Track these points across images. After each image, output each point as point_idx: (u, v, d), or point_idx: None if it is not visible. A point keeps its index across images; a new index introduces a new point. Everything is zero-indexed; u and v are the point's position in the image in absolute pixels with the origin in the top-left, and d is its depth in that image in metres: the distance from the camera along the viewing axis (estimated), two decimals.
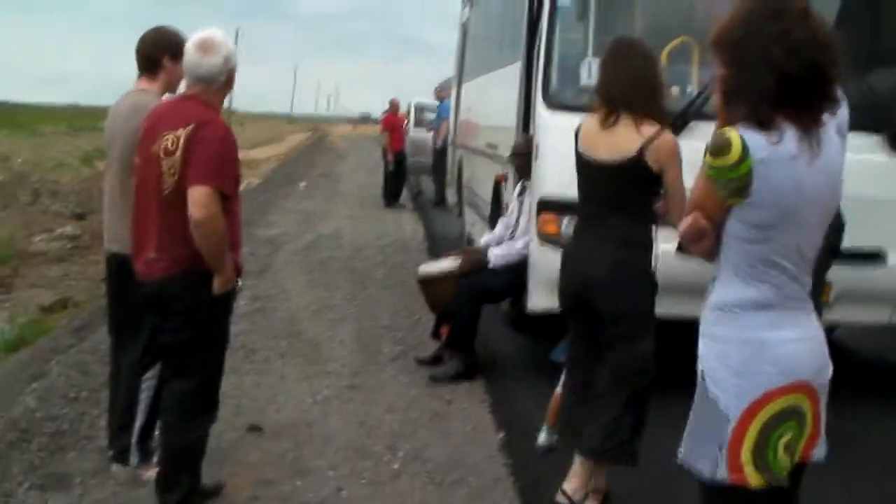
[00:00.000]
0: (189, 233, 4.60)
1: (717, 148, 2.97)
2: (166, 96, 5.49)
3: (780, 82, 2.96)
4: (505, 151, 8.66)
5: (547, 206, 7.24)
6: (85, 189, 22.29)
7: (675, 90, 7.37)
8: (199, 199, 4.55)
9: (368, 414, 6.84)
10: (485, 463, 6.03)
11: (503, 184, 9.31)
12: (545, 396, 6.87)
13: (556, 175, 7.16)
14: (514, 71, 8.82)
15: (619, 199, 5.11)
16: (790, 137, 2.96)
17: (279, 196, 22.38)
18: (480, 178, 11.52)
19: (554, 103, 7.36)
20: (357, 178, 29.10)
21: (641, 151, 4.96)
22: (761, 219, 3.00)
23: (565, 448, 5.39)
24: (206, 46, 4.76)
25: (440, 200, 20.69)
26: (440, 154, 20.30)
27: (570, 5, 7.42)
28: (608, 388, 5.13)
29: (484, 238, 8.71)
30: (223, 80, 4.84)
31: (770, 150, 2.94)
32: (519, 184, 8.15)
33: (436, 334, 8.28)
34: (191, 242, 4.63)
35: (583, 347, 5.32)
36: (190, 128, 4.63)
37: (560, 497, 5.14)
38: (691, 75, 7.44)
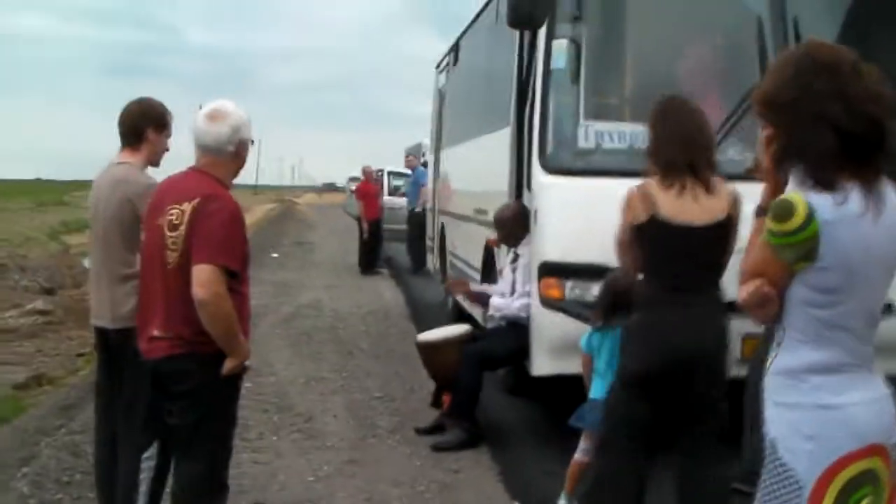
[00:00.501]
0: (195, 311, 4.43)
1: (781, 212, 2.88)
2: (149, 170, 5.45)
3: (841, 140, 2.88)
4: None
5: (549, 270, 7.15)
6: (53, 264, 21.98)
7: None
8: (202, 277, 4.38)
9: (374, 489, 6.65)
10: None
11: (496, 249, 9.21)
12: (555, 462, 6.78)
13: (558, 239, 7.12)
14: (504, 136, 8.76)
15: (714, 264, 5.05)
16: (854, 196, 2.88)
17: (252, 267, 22.03)
18: (467, 243, 11.43)
19: (552, 167, 7.28)
20: (329, 246, 28.93)
21: (730, 211, 4.98)
22: (829, 282, 2.91)
23: None
24: (214, 115, 4.64)
25: (418, 267, 20.55)
26: (416, 220, 20.30)
27: (565, 68, 7.36)
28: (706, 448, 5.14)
29: (482, 287, 8.66)
30: (232, 151, 4.66)
31: (836, 211, 2.86)
32: (511, 252, 8.06)
33: (436, 403, 8.13)
34: (196, 321, 4.45)
35: (645, 423, 5.12)
36: (196, 202, 4.46)
37: None
38: None
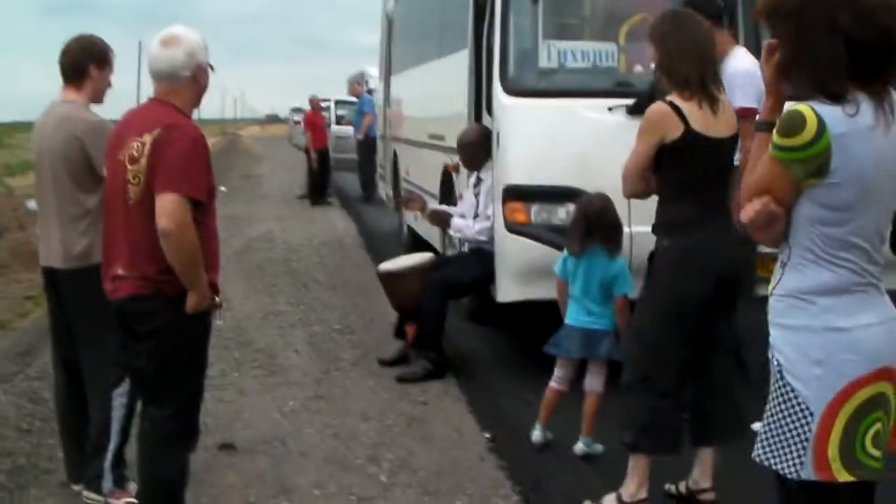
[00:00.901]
0: (159, 248, 4.19)
1: (789, 125, 2.71)
2: (92, 107, 5.25)
3: (850, 50, 2.70)
4: (453, 141, 8.36)
5: (514, 194, 6.98)
6: None
7: (638, 69, 7.17)
8: (165, 207, 4.11)
9: (342, 424, 6.49)
10: (478, 467, 5.74)
11: (454, 174, 9.00)
12: (526, 390, 6.65)
13: (522, 162, 6.96)
14: (461, 58, 8.53)
15: (729, 175, 4.86)
16: (866, 108, 2.72)
17: None
18: (423, 169, 11.21)
19: (514, 89, 7.08)
20: (277, 178, 28.55)
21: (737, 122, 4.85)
22: (842, 199, 2.76)
23: (660, 452, 4.91)
24: (166, 40, 4.35)
25: (368, 196, 20.42)
26: (365, 148, 20.11)
27: None
28: (729, 372, 5.01)
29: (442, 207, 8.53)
30: (188, 77, 4.36)
31: (848, 123, 2.70)
32: (473, 175, 7.87)
33: (399, 334, 7.95)
34: (161, 258, 4.20)
35: (690, 349, 4.88)
36: (156, 132, 4.19)
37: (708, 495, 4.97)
38: None
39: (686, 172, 4.75)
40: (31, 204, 6.06)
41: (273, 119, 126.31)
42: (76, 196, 5.07)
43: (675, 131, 4.68)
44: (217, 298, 4.54)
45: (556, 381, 5.78)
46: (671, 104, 4.70)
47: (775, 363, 2.90)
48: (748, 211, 2.85)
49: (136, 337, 4.39)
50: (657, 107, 4.75)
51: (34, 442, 6.10)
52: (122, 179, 4.26)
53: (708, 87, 4.72)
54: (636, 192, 4.90)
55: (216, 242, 4.56)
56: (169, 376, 4.40)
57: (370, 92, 20.21)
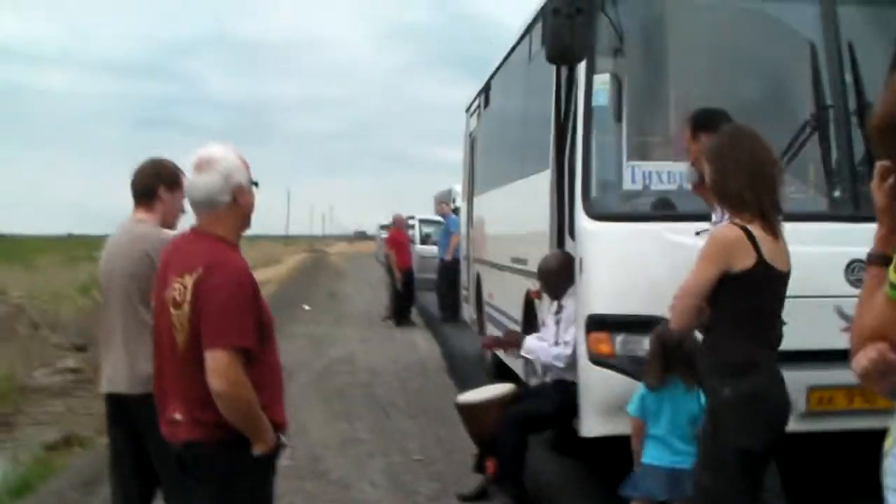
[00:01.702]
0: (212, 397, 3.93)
1: None
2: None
3: None
4: (535, 266, 8.08)
5: (597, 324, 6.64)
6: (84, 320, 21.63)
7: None
8: (214, 366, 3.84)
9: None
10: None
11: (537, 301, 8.68)
12: None
13: (606, 290, 6.63)
14: (543, 179, 8.28)
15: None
16: None
17: (283, 320, 21.62)
18: (505, 293, 10.91)
19: (596, 212, 6.79)
20: (362, 297, 28.45)
21: None
22: None
23: None
24: (200, 164, 4.06)
25: (448, 316, 20.24)
26: (447, 269, 20.04)
27: (607, 105, 6.89)
28: None
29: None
30: (228, 202, 4.07)
31: None
32: (555, 303, 7.56)
33: (479, 468, 7.57)
34: (216, 406, 3.93)
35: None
36: (197, 274, 3.92)
37: None
38: None
39: (751, 308, 4.43)
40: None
41: (361, 236, 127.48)
42: (145, 317, 4.88)
43: (746, 260, 4.35)
44: (282, 438, 4.23)
45: None
46: (743, 228, 4.37)
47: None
48: (861, 360, 2.49)
49: (198, 481, 4.11)
50: (727, 230, 4.41)
51: None
52: (168, 323, 4.01)
53: (766, 210, 4.39)
54: (690, 324, 4.53)
55: (278, 376, 4.28)
56: None
57: (456, 211, 20.06)
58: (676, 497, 5.34)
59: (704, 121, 5.81)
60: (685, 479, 5.24)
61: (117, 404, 5.14)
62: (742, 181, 4.40)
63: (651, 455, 5.34)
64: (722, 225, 4.50)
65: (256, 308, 4.03)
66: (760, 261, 4.37)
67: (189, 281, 3.93)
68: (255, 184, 4.23)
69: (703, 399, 5.21)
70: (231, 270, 3.99)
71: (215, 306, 3.88)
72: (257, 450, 4.00)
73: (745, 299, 4.41)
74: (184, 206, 5.15)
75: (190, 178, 4.11)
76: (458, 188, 20.22)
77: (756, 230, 4.37)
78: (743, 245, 4.35)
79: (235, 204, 4.11)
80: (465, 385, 10.42)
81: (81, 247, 63.00)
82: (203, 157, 4.09)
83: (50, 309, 23.88)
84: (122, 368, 5.04)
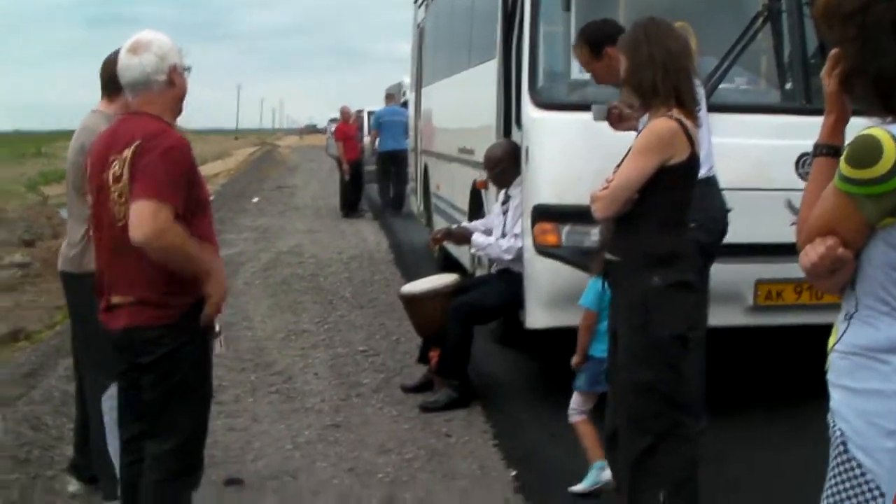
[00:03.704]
0: (156, 269, 3.87)
1: (862, 154, 2.29)
2: None
3: None
4: (482, 156, 7.97)
5: (544, 214, 6.54)
6: (32, 215, 21.40)
7: None
8: (137, 214, 3.77)
9: (359, 457, 6.11)
10: None
11: (483, 191, 8.59)
12: (556, 422, 6.22)
13: (553, 180, 6.53)
14: (490, 69, 8.14)
15: None
16: None
17: (232, 212, 21.49)
18: (452, 184, 10.81)
19: (544, 102, 6.66)
20: (311, 190, 28.26)
21: None
22: None
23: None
24: (134, 47, 4.04)
25: (386, 206, 20.93)
26: (381, 160, 20.66)
27: None
28: None
29: (466, 224, 8.18)
30: (163, 81, 4.03)
31: None
32: (502, 192, 7.47)
33: (423, 359, 7.55)
34: (159, 280, 3.89)
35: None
36: (135, 145, 3.87)
37: None
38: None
39: (680, 199, 4.41)
40: (64, 212, 6.09)
41: (311, 129, 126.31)
42: (76, 203, 5.03)
43: (682, 152, 4.30)
44: (217, 325, 4.22)
45: (586, 413, 5.37)
46: (679, 121, 4.29)
47: (838, 432, 2.46)
48: (810, 255, 2.41)
49: (138, 367, 4.06)
50: (666, 123, 4.30)
51: (30, 473, 5.78)
52: (108, 200, 3.94)
53: (685, 98, 4.32)
54: (616, 215, 4.45)
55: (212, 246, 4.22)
56: (173, 408, 4.08)
57: (405, 104, 19.95)
58: None
59: (605, 35, 5.70)
60: None
61: (64, 281, 5.31)
62: (657, 72, 4.31)
63: (597, 348, 5.24)
64: (658, 118, 4.38)
65: (190, 178, 3.99)
66: (693, 153, 4.34)
67: (127, 153, 3.88)
68: (188, 69, 4.18)
69: None
70: (169, 140, 3.93)
71: (149, 169, 3.82)
72: (210, 299, 4.03)
73: (675, 191, 4.37)
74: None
75: (123, 60, 4.05)
76: (408, 81, 20.01)
77: (687, 122, 4.30)
78: (680, 138, 4.28)
79: (171, 84, 4.08)
80: (411, 276, 10.35)
81: (28, 143, 62.14)
82: (137, 40, 4.05)
83: None
84: (63, 249, 5.21)
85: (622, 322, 4.49)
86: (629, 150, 4.45)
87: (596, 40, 5.78)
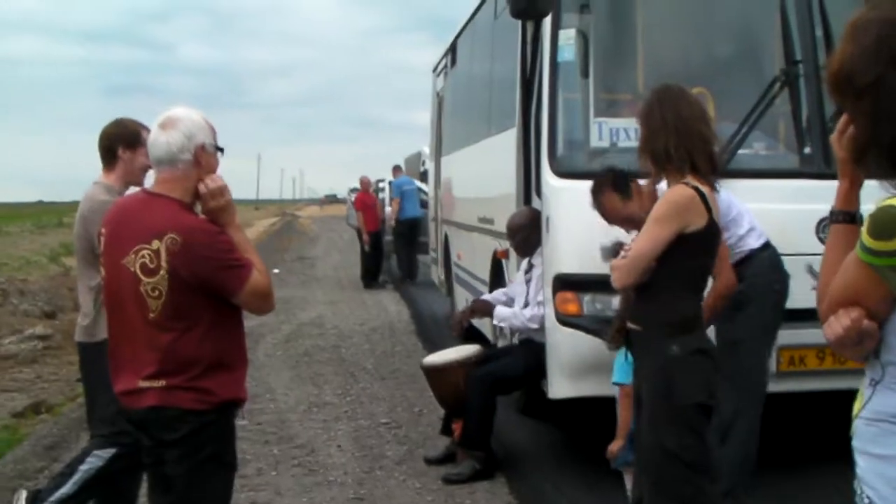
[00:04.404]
0: (191, 355, 3.84)
1: (884, 225, 2.23)
2: (131, 190, 5.05)
3: None
4: (502, 225, 7.96)
5: (565, 283, 6.53)
6: (53, 287, 21.40)
7: None
8: (258, 301, 3.98)
9: None
10: None
11: (505, 261, 8.57)
12: (579, 491, 6.15)
13: (574, 249, 6.51)
14: (509, 138, 8.15)
15: None
16: None
17: None
18: (473, 254, 10.80)
19: (563, 170, 6.66)
20: (331, 260, 28.32)
21: None
22: None
23: None
24: (164, 123, 3.97)
25: (405, 276, 21.15)
26: (398, 231, 21.06)
27: (573, 61, 6.74)
28: None
29: (486, 296, 8.08)
30: (188, 161, 3.94)
31: None
32: (525, 261, 7.45)
33: (446, 430, 7.48)
34: (190, 366, 3.84)
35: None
36: (169, 239, 3.78)
37: None
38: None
39: (697, 266, 4.40)
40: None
41: (332, 199, 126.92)
42: (84, 274, 5.20)
43: (699, 220, 4.27)
44: (242, 412, 4.17)
45: None
46: (695, 188, 4.27)
47: (865, 499, 2.41)
48: (834, 327, 2.36)
49: (162, 443, 3.97)
50: (682, 190, 4.28)
51: None
52: (136, 292, 3.85)
53: (700, 165, 4.31)
54: (635, 285, 4.43)
55: (244, 337, 4.18)
56: (198, 483, 3.97)
57: (425, 172, 20.16)
58: None
59: (623, 175, 5.68)
60: None
61: (80, 349, 5.40)
62: (670, 138, 4.30)
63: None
64: (675, 186, 4.37)
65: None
66: (711, 220, 4.31)
67: (159, 246, 3.80)
68: (220, 150, 4.10)
69: None
70: (208, 229, 3.93)
71: (217, 263, 3.87)
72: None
73: (693, 258, 4.35)
74: (147, 163, 5.05)
75: (153, 136, 3.99)
76: (427, 151, 20.09)
77: (704, 189, 4.29)
78: (696, 205, 4.26)
79: (197, 165, 3.98)
80: (434, 346, 10.32)
81: (51, 213, 62.53)
82: (167, 116, 4.00)
83: (19, 276, 23.68)
84: (78, 319, 5.35)
85: (645, 389, 4.46)
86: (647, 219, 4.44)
87: (621, 184, 5.71)
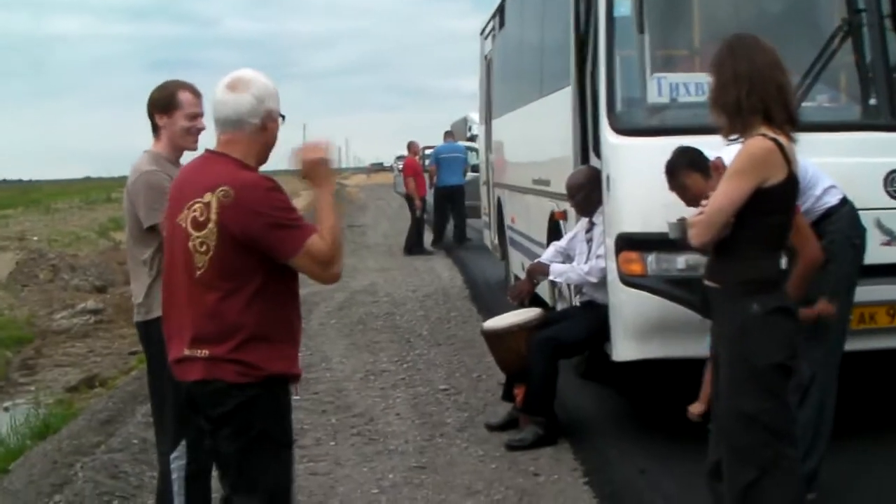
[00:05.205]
0: (231, 323, 3.70)
1: None
2: (187, 155, 4.93)
3: None
4: (559, 186, 7.80)
5: (628, 243, 6.37)
6: (104, 261, 21.58)
7: None
8: (314, 259, 3.74)
9: (446, 500, 5.95)
10: None
11: (563, 222, 8.40)
12: (646, 458, 6.03)
13: (637, 207, 6.37)
14: (564, 96, 7.97)
15: None
16: None
17: None
18: (528, 216, 10.63)
19: (623, 127, 6.49)
20: (381, 228, 28.19)
21: None
22: None
23: None
24: (233, 84, 3.82)
25: (437, 240, 21.00)
26: (437, 196, 20.84)
27: (629, 15, 6.53)
28: None
29: (541, 257, 7.91)
30: (257, 125, 3.83)
31: None
32: (584, 220, 7.28)
33: (507, 396, 7.35)
34: (233, 333, 3.70)
35: None
36: (222, 191, 3.67)
37: None
38: None
39: (777, 222, 4.20)
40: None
41: (378, 167, 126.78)
42: (134, 250, 4.93)
43: (779, 173, 4.09)
44: (295, 389, 4.03)
45: None
46: (774, 140, 4.08)
47: None
48: None
49: (212, 420, 3.87)
50: (761, 142, 4.08)
51: None
52: (185, 248, 3.75)
53: (775, 115, 4.10)
54: (712, 240, 4.26)
55: (299, 312, 4.04)
56: (253, 462, 3.83)
57: (472, 138, 19.94)
58: None
59: (698, 154, 5.51)
60: None
61: (140, 329, 5.07)
62: (741, 89, 4.10)
63: None
64: (752, 138, 4.17)
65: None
66: (790, 174, 4.12)
67: (211, 198, 3.68)
68: (283, 116, 3.99)
69: None
70: (263, 184, 3.77)
71: (272, 219, 3.70)
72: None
73: (773, 214, 4.17)
74: (188, 125, 4.95)
75: (219, 95, 3.84)
76: (474, 116, 19.87)
77: (783, 140, 4.10)
78: (776, 158, 4.07)
79: (263, 130, 3.88)
80: (489, 312, 10.19)
81: (99, 189, 63.07)
82: (238, 78, 3.86)
83: (70, 252, 23.91)
84: (133, 299, 5.04)
85: (722, 350, 4.29)
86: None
87: (699, 161, 5.51)
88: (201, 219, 3.71)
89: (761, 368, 4.14)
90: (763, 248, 4.18)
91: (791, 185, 4.15)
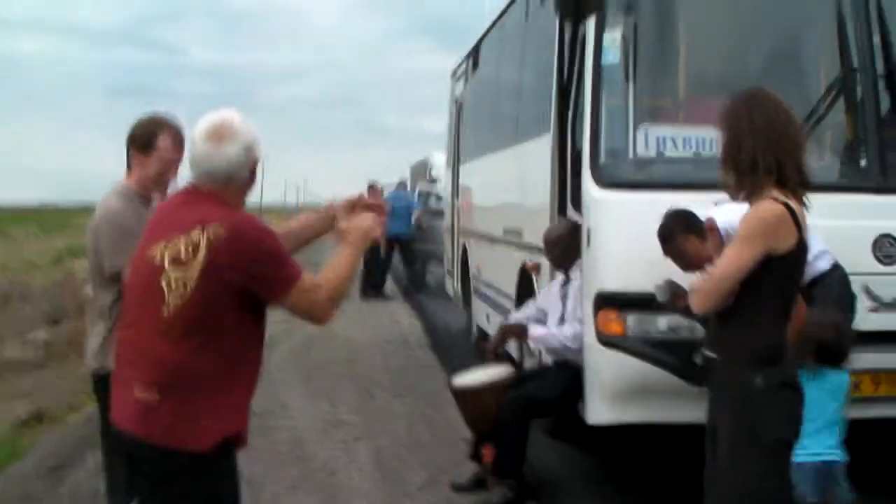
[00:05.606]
0: (194, 372, 3.38)
1: None
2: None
3: None
4: (532, 237, 7.56)
5: (607, 301, 6.13)
6: (57, 292, 21.09)
7: None
8: (313, 308, 3.62)
9: None
10: None
11: (535, 275, 8.14)
12: None
13: (618, 265, 6.15)
14: (542, 145, 7.74)
15: None
16: None
17: None
18: (496, 267, 10.35)
19: (606, 180, 6.26)
20: None
21: None
22: None
23: None
24: (220, 133, 3.50)
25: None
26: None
27: (618, 64, 6.33)
28: None
29: (515, 315, 7.65)
30: (245, 178, 3.58)
31: None
32: (560, 275, 7.04)
33: (475, 455, 7.04)
34: (194, 385, 3.39)
35: None
36: (213, 228, 3.37)
37: None
38: None
39: (785, 290, 3.99)
40: (89, 290, 5.57)
41: None
42: (96, 291, 4.69)
43: (789, 239, 3.87)
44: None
45: None
46: (785, 204, 3.85)
47: None
48: None
49: (146, 479, 3.52)
50: (772, 206, 3.86)
51: None
52: (154, 285, 3.40)
53: (788, 175, 3.89)
54: (716, 308, 4.02)
55: (260, 360, 3.76)
56: None
57: (433, 181, 19.81)
58: (832, 498, 4.95)
59: (693, 217, 5.39)
60: (838, 476, 4.97)
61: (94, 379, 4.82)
62: (757, 145, 3.88)
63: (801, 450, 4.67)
64: (763, 201, 3.93)
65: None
66: (801, 240, 3.91)
67: (200, 236, 3.38)
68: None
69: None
70: (256, 224, 3.56)
71: (267, 258, 3.48)
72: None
73: (781, 282, 3.95)
74: (161, 171, 4.73)
75: (203, 147, 3.53)
76: (435, 158, 19.65)
77: (794, 204, 3.87)
78: (786, 223, 3.86)
79: (249, 180, 3.65)
80: (450, 361, 9.92)
81: (55, 216, 62.36)
82: (221, 125, 3.55)
83: (22, 280, 23.43)
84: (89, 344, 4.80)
85: (722, 424, 4.04)
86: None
87: (695, 223, 5.37)
88: (184, 255, 3.39)
89: (766, 445, 3.89)
90: (769, 317, 3.95)
91: (801, 253, 3.94)
